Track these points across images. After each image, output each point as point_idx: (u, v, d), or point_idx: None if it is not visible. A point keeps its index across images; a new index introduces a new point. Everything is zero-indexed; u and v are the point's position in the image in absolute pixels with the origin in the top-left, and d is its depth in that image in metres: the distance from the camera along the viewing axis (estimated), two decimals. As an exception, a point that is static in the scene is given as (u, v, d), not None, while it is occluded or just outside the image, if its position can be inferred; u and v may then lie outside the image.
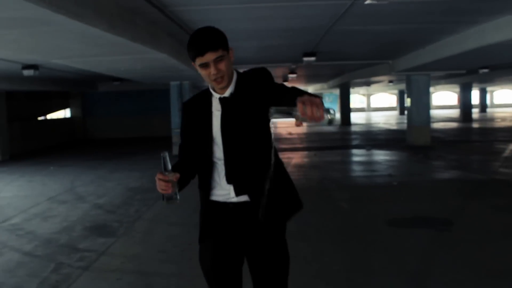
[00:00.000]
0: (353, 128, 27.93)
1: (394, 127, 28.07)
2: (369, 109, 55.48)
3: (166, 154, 2.30)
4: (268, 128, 2.46)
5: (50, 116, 24.97)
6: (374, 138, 20.94)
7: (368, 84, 34.06)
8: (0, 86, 15.60)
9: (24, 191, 10.43)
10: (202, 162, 2.52)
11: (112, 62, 9.91)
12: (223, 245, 2.50)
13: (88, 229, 7.04)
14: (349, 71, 22.95)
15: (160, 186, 2.27)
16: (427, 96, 17.68)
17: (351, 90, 33.84)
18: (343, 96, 31.47)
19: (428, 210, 7.52)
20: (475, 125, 28.33)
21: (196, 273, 4.96)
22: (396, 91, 47.67)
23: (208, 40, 2.28)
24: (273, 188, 2.37)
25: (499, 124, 28.52)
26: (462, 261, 5.16)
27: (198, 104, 2.54)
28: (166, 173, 2.27)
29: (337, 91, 38.01)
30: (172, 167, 2.34)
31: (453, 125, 28.75)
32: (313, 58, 13.12)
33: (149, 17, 7.33)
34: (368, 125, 31.57)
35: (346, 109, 31.46)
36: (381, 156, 14.70)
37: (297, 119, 1.99)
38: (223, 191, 2.48)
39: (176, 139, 16.92)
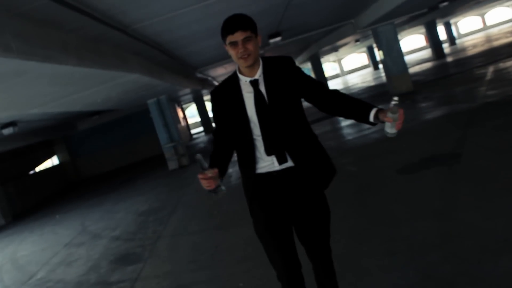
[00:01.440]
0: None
1: (373, 83, 28.18)
2: (343, 73, 55.60)
3: (200, 156, 2.52)
4: (300, 105, 2.79)
5: (39, 167, 24.80)
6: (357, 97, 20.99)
7: (336, 49, 34.08)
8: (-16, 152, 15.49)
9: (39, 245, 10.39)
10: (241, 141, 2.78)
11: (87, 97, 9.88)
12: (273, 210, 2.78)
13: (114, 262, 7.05)
14: (316, 41, 23.00)
15: (204, 184, 2.52)
16: (397, 43, 17.75)
17: (322, 59, 33.93)
18: (316, 68, 31.50)
19: (432, 150, 7.59)
20: (450, 59, 28.49)
21: (232, 271, 5.04)
22: (364, 49, 47.79)
23: (239, 21, 2.58)
24: (313, 154, 2.79)
25: (472, 51, 28.72)
26: (480, 186, 5.24)
27: (227, 90, 2.80)
28: (205, 172, 2.52)
29: (308, 65, 38.08)
30: (210, 160, 2.68)
31: (429, 65, 28.90)
32: (278, 38, 13.13)
33: (113, 41, 7.31)
34: (347, 88, 31.65)
35: (321, 79, 31.52)
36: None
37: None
38: (266, 163, 2.75)
39: (168, 154, 16.91)
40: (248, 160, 2.79)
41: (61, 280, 6.96)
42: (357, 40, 30.45)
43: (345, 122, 14.82)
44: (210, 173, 2.52)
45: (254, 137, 2.75)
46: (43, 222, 13.88)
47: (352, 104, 2.65)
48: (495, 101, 10.12)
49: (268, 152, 2.72)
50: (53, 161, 26.14)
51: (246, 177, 2.86)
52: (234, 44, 2.59)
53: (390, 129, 2.47)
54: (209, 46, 11.84)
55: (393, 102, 2.42)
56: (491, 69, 16.09)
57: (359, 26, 16.59)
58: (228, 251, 5.87)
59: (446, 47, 38.96)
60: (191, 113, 44.72)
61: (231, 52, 2.63)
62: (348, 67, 56.31)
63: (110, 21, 6.24)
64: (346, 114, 2.70)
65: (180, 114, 30.59)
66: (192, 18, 7.89)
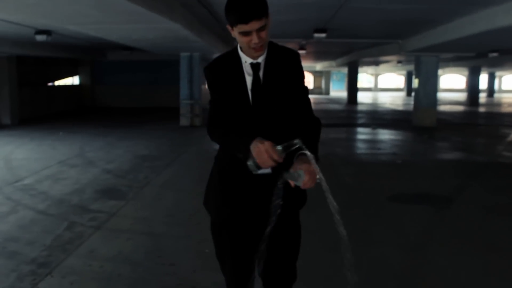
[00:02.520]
0: (360, 107, 28.00)
1: (401, 108, 28.11)
2: (376, 89, 55.34)
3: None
4: (291, 108, 2.37)
5: (59, 82, 25.11)
6: (380, 118, 21.05)
7: (376, 63, 33.99)
8: (12, 51, 15.74)
9: (34, 154, 10.65)
10: (241, 129, 2.32)
11: (125, 30, 10.02)
12: (245, 222, 2.41)
13: (99, 192, 7.26)
14: (358, 50, 22.94)
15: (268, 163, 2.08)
16: (435, 77, 17.73)
17: (359, 69, 33.84)
18: (351, 75, 31.49)
19: (429, 188, 7.69)
20: (482, 109, 28.34)
21: (203, 236, 5.20)
22: (404, 72, 47.51)
23: (253, 7, 2.14)
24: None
25: (506, 109, 28.52)
26: (459, 237, 5.35)
27: (228, 68, 2.37)
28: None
29: (345, 70, 37.95)
30: (232, 134, 2.28)
31: (460, 108, 28.77)
32: (323, 35, 13.17)
33: (165, -13, 7.44)
34: (374, 104, 31.60)
35: (353, 88, 31.49)
36: (386, 135, 14.85)
37: (291, 178, 2.12)
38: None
39: (184, 110, 17.07)
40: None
41: (45, 192, 7.18)
42: (399, 61, 30.34)
43: (361, 136, 14.91)
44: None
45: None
46: (46, 134, 14.15)
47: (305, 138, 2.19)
48: (507, 163, 10.16)
49: None
50: (74, 80, 26.44)
51: (237, 176, 2.37)
52: (246, 33, 2.18)
53: (290, 177, 2.13)
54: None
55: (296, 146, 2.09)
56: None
57: (404, 48, 16.55)
58: (207, 217, 5.98)
59: (482, 97, 38.65)
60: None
61: (241, 39, 2.22)
62: (383, 85, 56.00)
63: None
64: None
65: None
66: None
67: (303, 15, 11.01)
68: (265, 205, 2.26)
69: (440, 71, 18.07)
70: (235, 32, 2.24)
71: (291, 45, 19.86)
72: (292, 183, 2.15)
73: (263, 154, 2.07)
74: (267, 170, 2.27)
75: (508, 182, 8.16)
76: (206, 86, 2.47)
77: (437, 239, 5.26)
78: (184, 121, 17.07)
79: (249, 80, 2.35)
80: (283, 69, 2.36)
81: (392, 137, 14.42)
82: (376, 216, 6.12)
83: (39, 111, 20.22)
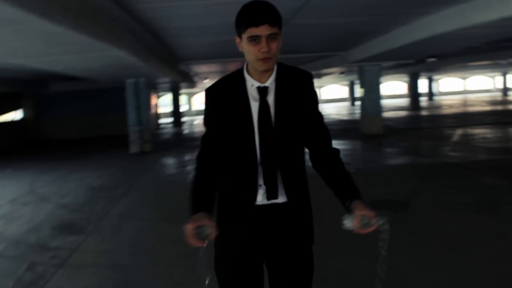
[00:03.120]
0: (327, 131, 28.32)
1: (347, 118, 28.70)
2: (320, 100, 56.07)
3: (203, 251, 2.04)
4: (302, 135, 2.25)
5: (0, 118, 24.36)
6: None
7: (319, 76, 34.59)
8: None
9: (-17, 195, 10.28)
10: (241, 160, 2.18)
11: (70, 60, 9.89)
12: (251, 255, 2.23)
13: (56, 228, 7.07)
14: (302, 64, 23.32)
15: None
16: (378, 86, 18.23)
17: (304, 82, 34.25)
18: (297, 89, 31.86)
19: (384, 194, 7.89)
20: (424, 112, 29.29)
21: (169, 263, 5.16)
22: (347, 82, 48.50)
23: (267, 12, 2.02)
24: (304, 197, 2.30)
25: (446, 111, 29.56)
26: (420, 238, 5.51)
27: (230, 91, 2.18)
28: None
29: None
30: (196, 188, 2.12)
31: (403, 113, 29.62)
32: (268, 52, 13.32)
33: (111, 15, 7.40)
34: (321, 116, 32.09)
35: (323, 116, 31.84)
36: (336, 145, 15.01)
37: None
38: (260, 194, 2.18)
39: (133, 137, 16.87)
40: (246, 187, 2.18)
41: None
42: (342, 73, 31.00)
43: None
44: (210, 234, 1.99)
45: (259, 156, 2.16)
46: (-8, 172, 13.68)
47: (341, 177, 2.26)
48: (455, 162, 10.53)
49: (266, 180, 2.16)
50: (17, 115, 25.72)
51: (236, 209, 2.22)
52: (255, 39, 2.00)
53: (350, 224, 2.17)
54: (201, 42, 11.98)
55: (380, 222, 2.18)
56: (459, 131, 16.66)
57: (347, 60, 16.97)
58: (171, 243, 5.97)
59: (424, 100, 39.94)
60: (164, 102, 44.56)
61: (248, 48, 2.03)
62: (327, 96, 57.02)
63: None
64: (328, 180, 2.29)
65: (153, 101, 30.49)
66: (193, 12, 8.04)
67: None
68: (267, 235, 2.20)
69: (381, 79, 18.63)
70: (243, 43, 2.06)
71: (234, 64, 20.00)
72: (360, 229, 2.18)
73: (187, 231, 1.99)
74: (279, 199, 2.18)
75: (457, 182, 8.46)
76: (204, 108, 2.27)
77: (400, 244, 5.39)
78: (134, 148, 16.87)
79: (254, 105, 2.14)
80: (296, 92, 2.18)
81: (342, 146, 14.68)
82: (336, 226, 6.19)
83: (-18, 150, 19.55)
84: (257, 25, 1.98)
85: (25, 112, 25.49)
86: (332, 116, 31.06)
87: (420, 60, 20.51)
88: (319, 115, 2.29)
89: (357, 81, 19.88)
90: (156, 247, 5.84)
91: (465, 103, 36.65)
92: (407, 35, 11.23)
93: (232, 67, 20.77)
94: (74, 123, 25.27)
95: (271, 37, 2.01)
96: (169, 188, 9.63)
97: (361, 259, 4.94)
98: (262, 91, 2.14)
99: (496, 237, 5.41)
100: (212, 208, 2.11)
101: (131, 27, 8.57)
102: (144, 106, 17.19)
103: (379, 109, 18.06)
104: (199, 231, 1.98)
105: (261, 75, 2.14)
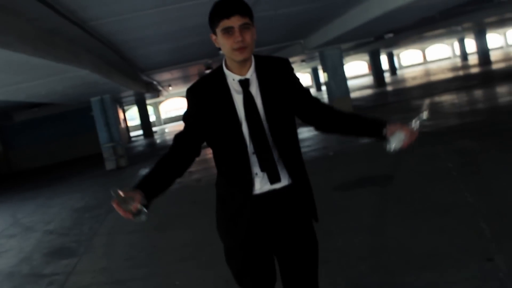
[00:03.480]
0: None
1: (355, 113, 28.83)
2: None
3: (115, 190, 2.05)
4: (293, 118, 2.35)
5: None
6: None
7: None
8: None
9: (-35, 234, 10.09)
10: (230, 153, 2.26)
11: (32, 87, 9.76)
12: (259, 242, 2.31)
13: (47, 255, 7.00)
14: (263, 57, 23.40)
15: (121, 214, 2.05)
16: (342, 68, 18.43)
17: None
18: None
19: (368, 171, 8.01)
20: (390, 88, 29.71)
21: (169, 271, 5.17)
22: (309, 69, 48.83)
23: (236, 3, 2.14)
24: (305, 177, 2.41)
25: (411, 83, 30.02)
26: (409, 207, 5.63)
27: (211, 88, 2.25)
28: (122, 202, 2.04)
29: (254, 79, 38.44)
30: (150, 171, 2.21)
31: (370, 91, 29.99)
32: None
33: (68, 35, 7.34)
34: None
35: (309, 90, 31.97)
36: (309, 132, 15.23)
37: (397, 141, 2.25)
38: (257, 183, 2.26)
39: (107, 154, 16.73)
40: (241, 177, 2.24)
41: (-9, 269, 6.86)
42: (303, 60, 31.23)
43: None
44: (129, 201, 2.04)
45: (248, 148, 2.24)
46: (-30, 211, 13.42)
47: (358, 118, 2.39)
48: (428, 131, 10.72)
49: (262, 167, 2.24)
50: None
51: (237, 200, 2.28)
52: (228, 30, 2.11)
53: (397, 142, 2.23)
54: (161, 50, 11.95)
55: (420, 117, 2.28)
56: (427, 101, 16.87)
57: (307, 47, 17.11)
58: (166, 251, 5.99)
59: (387, 77, 40.45)
60: (131, 116, 44.26)
61: (223, 41, 2.14)
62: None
63: (69, 15, 6.30)
64: (350, 130, 2.43)
65: (121, 116, 30.26)
66: (148, 22, 8.03)
67: (204, 36, 11.10)
68: (272, 222, 2.29)
69: (343, 61, 18.89)
70: (218, 38, 2.17)
71: (197, 67, 19.98)
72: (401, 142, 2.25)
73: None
74: (282, 183, 2.27)
75: (435, 149, 8.63)
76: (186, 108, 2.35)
77: (391, 215, 5.51)
78: (110, 165, 16.72)
79: (238, 98, 2.22)
80: (278, 79, 2.28)
81: (315, 132, 14.76)
82: (328, 208, 6.28)
83: (-46, 191, 19.09)
84: (228, 16, 2.09)
85: (-9, 146, 25.02)
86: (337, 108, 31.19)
87: (378, 37, 20.78)
88: (306, 91, 2.41)
89: (319, 67, 20.09)
90: (152, 257, 5.84)
91: (428, 73, 37.28)
92: (362, 15, 11.39)
93: (193, 70, 20.77)
94: (44, 150, 24.86)
95: (243, 27, 2.11)
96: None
97: (356, 236, 5.03)
98: (244, 83, 2.22)
99: (483, 195, 5.56)
100: (152, 193, 2.15)
101: (90, 44, 8.51)
102: (113, 122, 17.05)
103: (346, 90, 18.27)
104: (126, 204, 2.04)
105: (240, 68, 2.23)
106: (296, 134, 2.36)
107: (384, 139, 2.27)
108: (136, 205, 2.04)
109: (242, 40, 2.11)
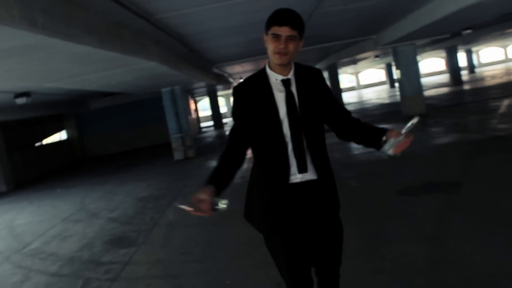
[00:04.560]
0: (347, 108, 27.98)
1: (387, 101, 28.22)
2: (359, 86, 55.58)
3: (174, 208, 2.36)
4: (322, 121, 2.63)
5: (46, 140, 25.02)
6: (369, 114, 21.08)
7: (355, 62, 34.13)
8: (-6, 118, 15.69)
9: (37, 216, 10.54)
10: (271, 144, 2.53)
11: (103, 78, 10.00)
12: (295, 231, 2.58)
13: (108, 242, 7.17)
14: (335, 52, 23.06)
15: (195, 214, 2.44)
16: (415, 65, 17.79)
17: (339, 70, 33.98)
18: (332, 78, 31.51)
19: (434, 175, 7.66)
20: (466, 86, 28.50)
21: (221, 268, 5.14)
22: (383, 65, 47.76)
23: (291, 16, 2.42)
24: (330, 173, 2.65)
25: (490, 82, 28.67)
26: (476, 218, 5.30)
27: (255, 86, 2.57)
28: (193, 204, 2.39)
29: (325, 74, 38.12)
30: (216, 166, 2.55)
31: (445, 90, 28.90)
32: (299, 45, 13.19)
33: (135, 28, 7.43)
34: (361, 102, 31.71)
35: (337, 90, 31.53)
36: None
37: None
38: (292, 171, 2.53)
39: (175, 144, 17.00)
40: (280, 166, 2.52)
41: (54, 253, 7.08)
42: (376, 56, 30.51)
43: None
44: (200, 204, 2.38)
45: (286, 140, 2.52)
46: (44, 194, 14.04)
47: (370, 131, 2.59)
48: (504, 135, 10.16)
49: (297, 156, 2.51)
50: (61, 135, 26.36)
51: (273, 188, 2.55)
52: (277, 37, 2.41)
53: (389, 149, 2.41)
54: (230, 44, 11.95)
55: (412, 122, 2.42)
56: (505, 102, 16.10)
57: (380, 42, 16.64)
58: (221, 247, 5.96)
59: (464, 74, 38.89)
60: (203, 106, 44.89)
61: (270, 44, 2.44)
62: (365, 81, 56.28)
63: (135, 8, 6.36)
64: (361, 141, 2.65)
65: (192, 106, 30.73)
66: (216, 15, 8.00)
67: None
68: (305, 211, 2.55)
69: (418, 57, 18.21)
70: (268, 39, 2.46)
71: (268, 60, 19.92)
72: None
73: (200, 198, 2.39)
74: (309, 176, 2.53)
75: (508, 156, 8.13)
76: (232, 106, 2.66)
77: (455, 226, 5.21)
78: (178, 155, 16.99)
79: (281, 96, 2.52)
80: (311, 84, 2.59)
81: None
82: (389, 213, 6.07)
83: (32, 173, 20.05)
84: (280, 25, 2.41)
85: (69, 132, 26.11)
86: (372, 101, 30.61)
87: (455, 34, 19.92)
88: (336, 99, 2.70)
89: (393, 63, 19.47)
90: (206, 253, 5.83)
91: (509, 72, 35.47)
92: (437, 10, 10.89)
93: (264, 64, 20.69)
94: (116, 138, 25.71)
95: (290, 38, 2.42)
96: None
97: (415, 245, 4.79)
98: (287, 83, 2.54)
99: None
100: (222, 188, 2.49)
101: (157, 37, 8.60)
102: (182, 112, 17.29)
103: (419, 88, 17.63)
104: (214, 201, 2.38)
105: (282, 70, 2.54)
106: (324, 136, 2.64)
107: (381, 146, 2.48)
108: (207, 205, 2.38)
109: (284, 48, 2.42)
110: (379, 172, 8.68)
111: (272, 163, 2.54)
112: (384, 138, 2.45)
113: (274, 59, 2.48)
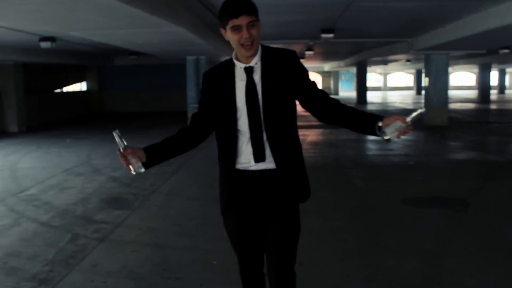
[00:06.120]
0: (369, 107, 27.72)
1: (411, 107, 27.79)
2: (385, 88, 55.02)
3: (117, 132, 2.46)
4: (293, 107, 2.56)
5: (66, 89, 25.07)
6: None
7: (385, 62, 33.72)
8: (17, 58, 15.67)
9: (41, 163, 10.52)
10: (224, 132, 2.56)
11: (128, 35, 9.86)
12: (246, 213, 2.58)
13: (104, 201, 7.09)
14: (367, 49, 22.70)
15: (121, 161, 2.48)
16: (445, 76, 17.44)
17: (368, 68, 33.56)
18: (360, 75, 31.20)
19: (444, 190, 7.46)
20: (493, 106, 27.98)
21: (211, 247, 5.01)
22: (413, 71, 47.15)
23: (243, 3, 2.36)
24: (295, 163, 2.58)
25: (518, 106, 28.13)
26: (478, 242, 5.11)
27: (220, 74, 2.56)
28: (122, 149, 2.46)
29: (353, 69, 37.69)
30: (165, 139, 2.63)
31: (471, 106, 28.42)
32: (331, 35, 12.95)
33: (167, -11, 7.27)
34: (384, 104, 31.31)
35: (362, 88, 31.21)
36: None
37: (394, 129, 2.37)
38: (245, 160, 2.53)
39: (191, 114, 16.87)
40: (229, 153, 2.56)
41: (49, 202, 7.03)
42: (408, 60, 30.10)
43: (372, 136, 14.59)
44: (127, 150, 2.46)
45: (239, 128, 2.51)
46: (53, 141, 14.05)
47: (357, 113, 2.50)
48: (523, 162, 9.90)
49: (254, 146, 2.49)
50: (82, 86, 26.41)
51: (225, 172, 2.63)
52: (237, 28, 2.35)
53: (391, 132, 2.35)
54: (264, 22, 11.70)
55: (418, 112, 2.38)
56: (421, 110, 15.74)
57: (414, 47, 16.30)
58: (215, 226, 5.81)
59: (493, 94, 38.23)
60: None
61: (233, 37, 2.38)
62: (392, 84, 55.67)
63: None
64: (348, 124, 2.53)
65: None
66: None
67: (310, 15, 10.80)
68: (261, 198, 2.54)
69: (450, 69, 17.85)
70: (228, 34, 2.41)
71: (298, 46, 19.68)
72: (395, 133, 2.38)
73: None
74: (268, 165, 2.49)
75: (525, 183, 7.90)
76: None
77: (455, 246, 5.03)
78: (192, 125, 16.86)
79: (242, 84, 2.48)
80: (281, 69, 2.49)
81: (403, 137, 14.08)
82: (391, 221, 5.89)
83: (46, 118, 20.13)
84: (236, 16, 2.33)
85: (89, 84, 26.13)
86: (395, 104, 30.20)
87: (492, 51, 19.49)
88: (312, 83, 2.56)
89: (423, 70, 19.10)
90: (199, 229, 5.72)
91: (538, 99, 34.78)
92: (478, 24, 10.58)
93: (295, 48, 20.42)
94: (136, 98, 25.67)
95: (250, 24, 2.35)
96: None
97: (412, 259, 4.62)
98: (248, 71, 2.48)
99: None
100: (154, 158, 2.56)
101: (189, 2, 8.43)
102: (203, 84, 17.17)
103: (445, 100, 17.30)
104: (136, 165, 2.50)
105: (247, 58, 2.48)
106: (293, 123, 2.57)
107: (378, 131, 2.39)
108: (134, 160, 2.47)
109: (249, 36, 2.36)
110: (389, 177, 8.49)
111: (226, 151, 2.59)
112: (380, 123, 2.37)
113: (242, 52, 2.43)
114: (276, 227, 2.57)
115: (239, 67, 2.50)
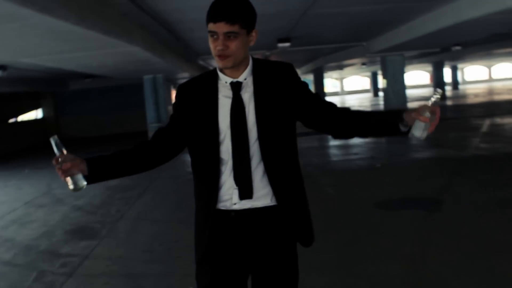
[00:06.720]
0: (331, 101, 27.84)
1: (370, 109, 28.12)
2: (343, 92, 55.70)
3: (56, 138, 2.08)
4: (293, 131, 2.16)
5: (21, 117, 24.39)
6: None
7: (341, 67, 34.09)
8: (-33, 90, 15.14)
9: (-1, 197, 10.11)
10: (203, 161, 2.10)
11: (82, 58, 9.62)
12: (227, 264, 2.09)
13: (69, 232, 6.80)
14: (323, 55, 22.87)
15: (58, 172, 2.02)
16: (402, 76, 17.72)
17: (324, 74, 33.87)
18: (317, 81, 31.41)
19: (414, 190, 7.45)
20: (449, 102, 28.57)
21: (185, 271, 4.81)
22: (369, 73, 47.88)
23: (227, 8, 1.91)
24: (297, 198, 2.17)
25: (472, 100, 28.81)
26: (456, 240, 5.07)
27: (200, 88, 2.11)
28: (60, 156, 2.06)
29: (310, 77, 38.00)
30: (116, 152, 2.15)
31: (428, 103, 28.90)
32: (287, 44, 12.96)
33: (120, 9, 7.09)
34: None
35: (320, 94, 31.35)
36: (360, 138, 14.65)
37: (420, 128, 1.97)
38: (226, 196, 2.06)
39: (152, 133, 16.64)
40: (208, 187, 2.07)
41: (11, 239, 6.70)
42: (363, 63, 30.48)
43: (334, 142, 14.65)
44: (66, 160, 2.00)
45: (221, 155, 2.05)
46: (11, 173, 13.57)
47: (375, 117, 2.13)
48: (486, 155, 10.03)
49: (236, 181, 2.04)
50: (37, 114, 25.74)
51: (203, 213, 2.12)
52: (213, 35, 1.93)
53: (422, 131, 1.98)
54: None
55: (434, 97, 2.01)
56: (487, 122, 16.06)
57: (369, 50, 16.48)
58: (187, 248, 5.56)
59: (448, 90, 39.10)
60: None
61: (210, 43, 1.97)
62: (349, 88, 56.40)
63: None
64: (369, 132, 2.16)
65: (174, 97, 30.33)
66: (205, 4, 7.67)
67: (265, 26, 10.74)
68: (249, 243, 2.08)
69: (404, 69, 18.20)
70: (208, 36, 1.98)
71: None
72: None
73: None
74: (249, 205, 2.05)
75: (491, 176, 7.97)
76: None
77: (434, 246, 4.97)
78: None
79: (226, 102, 2.05)
80: (278, 86, 2.08)
81: (366, 139, 14.20)
82: (366, 227, 5.82)
83: (2, 150, 19.47)
84: (214, 21, 1.91)
85: (44, 111, 25.48)
86: (354, 108, 30.45)
87: (445, 49, 19.88)
88: (316, 95, 2.19)
89: (379, 72, 19.35)
90: (171, 253, 5.51)
91: (491, 92, 35.74)
92: (431, 23, 10.73)
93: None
94: (95, 121, 25.15)
95: (229, 35, 1.92)
96: (189, 187, 9.23)
97: (391, 264, 4.53)
98: (235, 86, 2.06)
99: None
100: (97, 173, 2.09)
101: (143, 21, 8.26)
102: (162, 102, 16.97)
103: (403, 99, 17.56)
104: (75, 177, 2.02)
105: (233, 72, 2.05)
106: (294, 148, 2.18)
107: (406, 132, 1.99)
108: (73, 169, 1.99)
109: (223, 49, 1.93)
110: (358, 181, 8.45)
111: (204, 185, 2.11)
112: (405, 123, 1.98)
113: (216, 62, 1.99)
114: (272, 273, 2.12)
115: (224, 81, 2.07)
